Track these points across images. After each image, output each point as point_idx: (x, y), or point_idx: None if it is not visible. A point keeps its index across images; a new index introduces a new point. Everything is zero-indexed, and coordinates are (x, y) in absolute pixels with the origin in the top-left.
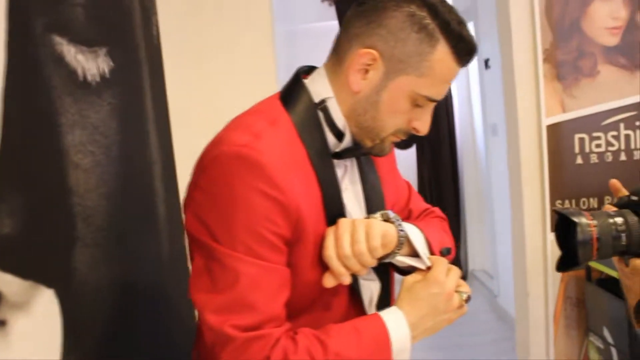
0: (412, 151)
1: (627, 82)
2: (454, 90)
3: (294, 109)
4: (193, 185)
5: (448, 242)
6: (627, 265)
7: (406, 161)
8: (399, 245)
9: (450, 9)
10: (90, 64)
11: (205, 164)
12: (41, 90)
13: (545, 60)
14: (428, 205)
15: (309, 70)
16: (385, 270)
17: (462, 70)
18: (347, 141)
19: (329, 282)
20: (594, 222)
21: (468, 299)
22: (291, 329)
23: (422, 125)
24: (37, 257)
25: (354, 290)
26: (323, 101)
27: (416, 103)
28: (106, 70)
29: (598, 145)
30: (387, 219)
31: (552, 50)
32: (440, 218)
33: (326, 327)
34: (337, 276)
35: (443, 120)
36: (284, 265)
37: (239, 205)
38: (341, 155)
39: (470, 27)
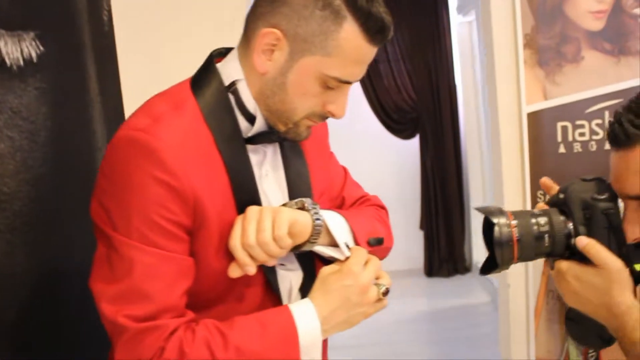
0: (414, 141)
1: (612, 69)
2: (458, 77)
3: (203, 92)
4: (99, 171)
5: (381, 231)
6: (552, 268)
7: (408, 151)
8: (315, 234)
9: None
10: (11, 48)
11: (107, 148)
12: None
13: (526, 45)
14: (364, 193)
15: (226, 52)
16: (309, 260)
17: (467, 56)
18: (259, 125)
19: (234, 272)
20: (515, 222)
21: (386, 292)
22: (194, 320)
23: (338, 108)
24: None
25: (269, 281)
26: (233, 84)
27: (327, 85)
28: (33, 55)
29: (582, 134)
30: (302, 207)
31: (534, 35)
32: (377, 206)
33: (232, 319)
34: (242, 266)
35: (446, 109)
36: (185, 253)
37: (134, 191)
38: (255, 140)
39: (472, 14)
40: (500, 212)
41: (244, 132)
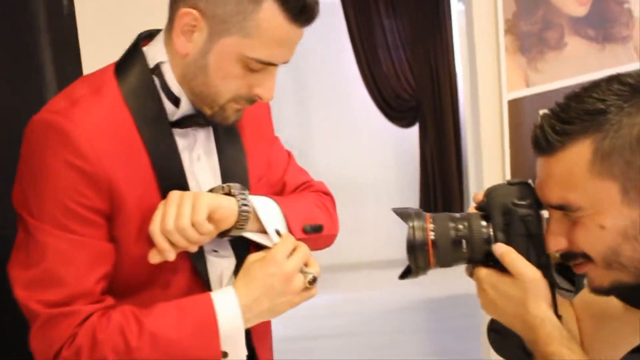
0: (414, 129)
1: (596, 56)
2: (459, 66)
3: (126, 75)
4: (20, 155)
5: (321, 218)
6: (471, 275)
7: (407, 141)
8: (242, 220)
9: None
10: None
11: (24, 132)
12: None
13: (507, 31)
14: (308, 179)
15: (154, 35)
16: (243, 247)
17: (468, 41)
18: (184, 108)
19: (153, 258)
20: (432, 226)
21: (313, 280)
22: (112, 306)
23: (265, 91)
24: None
25: (196, 267)
26: (157, 66)
27: (249, 67)
28: None
29: None
30: (228, 193)
31: (515, 21)
32: (321, 193)
33: (152, 305)
34: (161, 252)
35: (446, 97)
36: (102, 239)
37: (48, 176)
38: (183, 123)
39: None
40: (418, 215)
41: (170, 115)
